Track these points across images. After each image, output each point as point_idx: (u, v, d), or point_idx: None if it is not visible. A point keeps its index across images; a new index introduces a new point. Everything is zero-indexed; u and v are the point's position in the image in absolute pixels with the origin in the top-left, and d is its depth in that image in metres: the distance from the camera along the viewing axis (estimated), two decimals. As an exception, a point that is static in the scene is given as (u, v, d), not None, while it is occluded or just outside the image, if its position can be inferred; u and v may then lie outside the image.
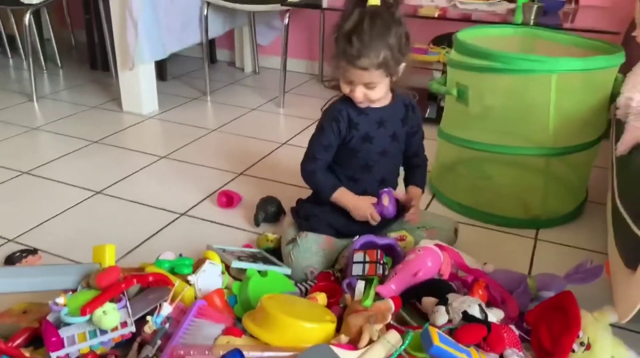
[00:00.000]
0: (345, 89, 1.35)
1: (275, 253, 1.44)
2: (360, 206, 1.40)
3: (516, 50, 1.88)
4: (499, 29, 1.94)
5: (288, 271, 1.34)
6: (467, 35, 1.76)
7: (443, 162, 1.89)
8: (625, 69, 1.60)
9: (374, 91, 1.32)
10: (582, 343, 1.04)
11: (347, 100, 1.38)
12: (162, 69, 3.00)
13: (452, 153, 1.87)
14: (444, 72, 2.53)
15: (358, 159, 1.42)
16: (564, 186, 1.77)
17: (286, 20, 2.56)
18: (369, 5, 1.25)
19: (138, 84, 2.46)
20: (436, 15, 2.39)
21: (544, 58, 1.47)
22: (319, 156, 1.42)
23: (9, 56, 3.40)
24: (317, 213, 1.43)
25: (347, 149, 1.41)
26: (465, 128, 1.72)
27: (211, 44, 3.33)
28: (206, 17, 2.68)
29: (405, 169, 1.57)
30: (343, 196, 1.41)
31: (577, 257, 1.45)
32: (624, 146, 1.12)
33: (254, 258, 1.35)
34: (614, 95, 1.54)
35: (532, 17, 2.17)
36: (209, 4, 2.66)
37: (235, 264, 1.26)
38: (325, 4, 2.62)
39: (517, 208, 1.69)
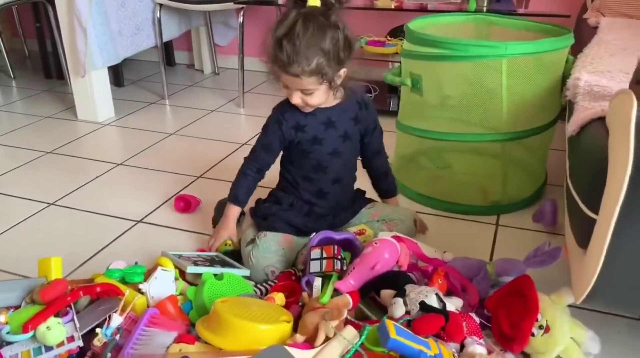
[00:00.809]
0: (284, 92, 1.31)
1: (234, 256, 1.41)
2: (223, 228, 1.44)
3: (471, 37, 1.88)
4: (451, 17, 1.93)
5: (247, 272, 1.31)
6: (419, 24, 1.75)
7: (403, 154, 1.88)
8: (577, 51, 1.60)
9: (311, 97, 1.28)
10: (541, 327, 1.04)
11: (290, 105, 1.35)
12: (118, 74, 2.93)
13: (412, 144, 1.86)
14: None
15: (310, 159, 1.40)
16: (523, 171, 1.78)
17: (241, 19, 2.52)
18: (308, 5, 1.21)
19: (92, 91, 2.39)
20: (392, 7, 2.38)
21: (493, 43, 1.47)
22: (258, 156, 1.43)
23: (-42, 68, 3.30)
24: (275, 211, 1.41)
25: (297, 150, 1.40)
26: (422, 118, 1.71)
27: (168, 46, 3.27)
28: (159, 19, 2.62)
29: (373, 175, 1.55)
30: (231, 211, 1.45)
31: (539, 241, 1.44)
32: (572, 126, 1.12)
33: (210, 262, 1.32)
34: (566, 77, 1.54)
35: (485, 5, 2.17)
36: (161, 5, 2.61)
37: (191, 269, 1.23)
38: (280, 0, 2.59)
39: (477, 195, 1.69)
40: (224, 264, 1.33)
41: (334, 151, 1.39)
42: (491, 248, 1.48)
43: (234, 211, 1.45)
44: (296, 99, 1.29)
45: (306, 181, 1.41)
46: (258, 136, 1.43)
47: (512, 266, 1.25)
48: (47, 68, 3.10)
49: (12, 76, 3.14)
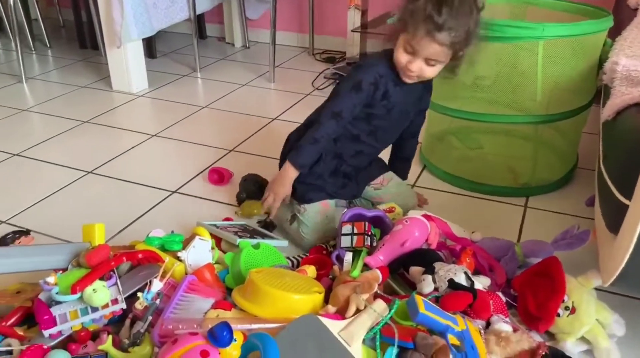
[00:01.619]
0: (401, 58, 1.25)
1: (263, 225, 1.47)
2: (281, 185, 1.36)
3: (507, 17, 1.86)
4: (488, -3, 1.91)
5: (285, 243, 1.37)
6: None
7: (433, 133, 1.89)
8: (615, 34, 1.58)
9: (432, 68, 1.26)
10: (567, 308, 1.06)
11: (390, 66, 1.30)
12: (151, 46, 2.97)
13: (442, 123, 1.87)
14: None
15: (370, 125, 1.37)
16: (554, 153, 1.77)
17: (274, -7, 2.52)
18: None
19: (127, 63, 2.44)
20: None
21: (530, 24, 1.45)
22: (345, 115, 1.32)
23: (-3, 36, 3.37)
24: (302, 180, 1.39)
25: (365, 113, 1.35)
26: (455, 98, 1.71)
27: (200, 19, 3.29)
28: (193, -8, 2.64)
29: (397, 155, 1.58)
30: (290, 173, 1.35)
31: (567, 224, 1.45)
32: (608, 111, 1.11)
33: (250, 233, 1.37)
34: (603, 60, 1.53)
35: (522, -17, 2.14)
36: (195, -22, 2.62)
37: (240, 241, 1.27)
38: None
39: (507, 176, 1.70)
40: (259, 234, 1.38)
41: (393, 123, 1.40)
42: (519, 230, 1.50)
43: (294, 174, 1.36)
44: (417, 65, 1.24)
45: (352, 141, 1.40)
46: (341, 92, 1.33)
47: (540, 247, 1.27)
48: (82, 38, 3.16)
49: (48, 45, 3.21)
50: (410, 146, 1.58)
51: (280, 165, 1.43)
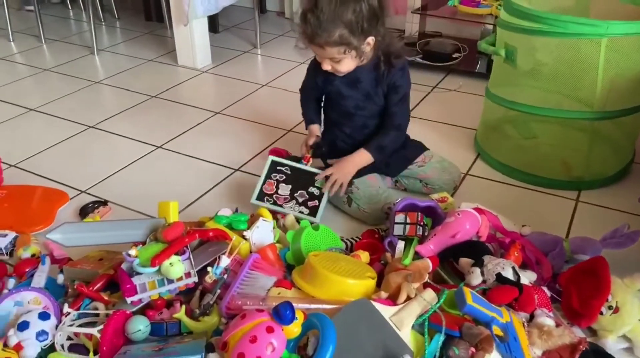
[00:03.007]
0: (317, 58, 1.45)
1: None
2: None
3: (571, 7, 1.85)
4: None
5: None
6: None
7: (488, 121, 1.91)
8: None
9: (340, 64, 1.40)
10: (610, 307, 1.10)
11: None
12: (214, 21, 3.06)
13: (498, 112, 1.89)
14: (495, 25, 2.50)
15: (339, 106, 1.56)
16: (610, 147, 1.77)
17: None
18: None
19: (192, 39, 2.54)
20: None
21: (594, 22, 1.45)
22: (307, 89, 1.64)
23: (69, 7, 3.53)
24: None
25: (327, 99, 1.59)
26: (513, 89, 1.73)
27: (261, -6, 3.35)
28: (257, -31, 2.70)
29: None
30: (313, 129, 1.64)
31: (618, 220, 1.48)
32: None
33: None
34: (668, 57, 1.51)
35: (590, -30, 2.09)
36: (259, -44, 2.67)
37: (302, 221, 1.38)
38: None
39: (560, 168, 1.72)
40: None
41: (357, 106, 1.53)
42: (569, 224, 1.52)
43: (315, 126, 1.65)
44: (326, 66, 1.41)
45: (337, 125, 1.59)
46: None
47: (588, 245, 1.30)
48: (148, 11, 3.28)
49: (116, 17, 3.35)
50: (387, 122, 1.56)
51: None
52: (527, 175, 1.71)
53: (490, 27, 2.53)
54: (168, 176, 1.77)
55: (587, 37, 1.47)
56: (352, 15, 1.31)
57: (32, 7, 3.05)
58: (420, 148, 1.65)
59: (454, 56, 2.54)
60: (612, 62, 1.49)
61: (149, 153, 1.89)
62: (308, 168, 1.56)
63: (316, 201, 1.49)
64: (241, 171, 1.78)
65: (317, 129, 1.64)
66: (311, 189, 1.51)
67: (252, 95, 2.35)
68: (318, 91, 1.60)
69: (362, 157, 1.52)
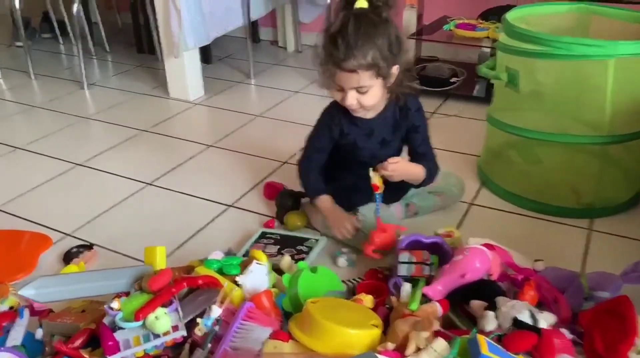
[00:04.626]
0: (337, 97, 1.34)
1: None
2: (336, 218, 1.45)
3: (570, 27, 1.79)
4: (552, 7, 1.83)
5: (324, 240, 1.46)
6: (517, 15, 1.68)
7: (491, 146, 1.84)
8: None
9: (366, 95, 1.31)
10: (639, 352, 1.01)
11: (341, 106, 1.38)
12: (206, 52, 3.00)
13: (501, 136, 1.81)
14: (493, 49, 2.44)
15: (353, 156, 1.47)
16: (621, 172, 1.69)
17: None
18: (355, 7, 1.25)
19: (184, 71, 2.48)
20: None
21: (600, 42, 1.39)
22: (312, 157, 1.50)
23: (60, 41, 3.49)
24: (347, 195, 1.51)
25: (340, 149, 1.48)
26: (516, 114, 1.65)
27: (254, 23, 3.31)
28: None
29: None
30: (323, 203, 1.48)
31: (635, 249, 1.40)
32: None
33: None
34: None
35: (589, -10, 2.04)
36: (250, -15, 2.63)
37: (299, 263, 1.29)
38: None
39: (569, 195, 1.63)
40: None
41: (373, 155, 1.44)
42: (583, 255, 1.43)
43: (328, 201, 1.48)
44: (351, 99, 1.30)
45: (349, 173, 1.50)
46: (309, 137, 1.52)
47: (607, 280, 1.21)
48: (140, 43, 3.23)
49: (107, 50, 3.30)
50: (423, 161, 1.48)
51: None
52: (536, 203, 1.63)
53: (488, 50, 2.48)
54: (158, 214, 1.68)
55: (593, 59, 1.40)
56: (383, 39, 1.25)
57: (21, 43, 3.00)
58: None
59: (451, 80, 2.48)
60: (621, 83, 1.42)
61: (138, 190, 1.81)
62: (300, 234, 1.51)
63: (304, 255, 1.40)
64: (234, 206, 1.70)
65: (330, 201, 1.48)
66: (300, 247, 1.44)
67: (245, 126, 2.28)
68: (328, 150, 1.48)
69: (417, 167, 1.43)
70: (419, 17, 2.63)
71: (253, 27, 3.30)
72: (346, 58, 1.23)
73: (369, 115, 1.40)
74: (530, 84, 1.56)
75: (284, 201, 1.61)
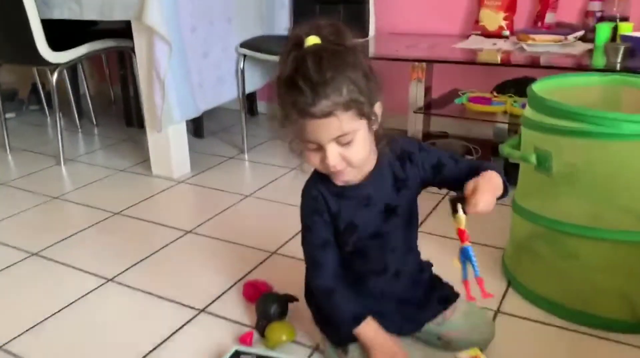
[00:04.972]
0: (314, 160, 1.00)
1: None
2: (387, 350, 1.09)
3: (600, 100, 1.55)
4: (583, 78, 1.60)
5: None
6: (542, 87, 1.44)
7: (518, 238, 1.55)
8: None
9: (353, 147, 0.97)
10: None
11: (321, 179, 1.08)
12: (198, 125, 2.80)
13: (527, 225, 1.53)
14: (512, 124, 2.21)
15: (348, 243, 1.12)
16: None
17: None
18: (307, 46, 0.94)
19: (168, 146, 2.25)
20: (498, 60, 2.09)
21: (656, 119, 1.13)
22: (323, 261, 1.12)
23: (47, 113, 3.31)
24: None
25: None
26: (548, 201, 1.38)
27: (251, 95, 3.13)
28: (242, 70, 2.47)
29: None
30: (367, 332, 1.10)
31: None
32: None
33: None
34: None
35: (619, 60, 1.83)
36: (245, 57, 2.45)
37: None
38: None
39: (620, 304, 1.32)
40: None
41: (375, 234, 1.11)
42: (647, 388, 1.11)
43: (370, 329, 1.11)
44: (333, 157, 0.96)
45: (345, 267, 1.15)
46: (303, 241, 1.15)
47: None
48: (129, 116, 3.04)
49: (94, 123, 3.11)
50: (465, 169, 1.12)
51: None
52: (576, 313, 1.32)
53: (505, 126, 2.25)
54: (114, 320, 1.38)
55: (646, 139, 1.14)
56: (353, 69, 0.94)
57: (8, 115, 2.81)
58: (443, 299, 1.23)
59: (465, 158, 2.23)
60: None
61: (97, 288, 1.52)
62: (279, 355, 1.20)
63: None
64: (206, 312, 1.40)
65: (374, 326, 1.11)
66: None
67: (232, 208, 2.01)
68: (333, 240, 1.13)
69: (493, 178, 1.02)
70: (427, 90, 2.41)
71: (249, 100, 3.12)
72: (316, 100, 0.91)
73: (358, 177, 1.07)
74: (565, 167, 1.30)
75: (266, 307, 1.30)
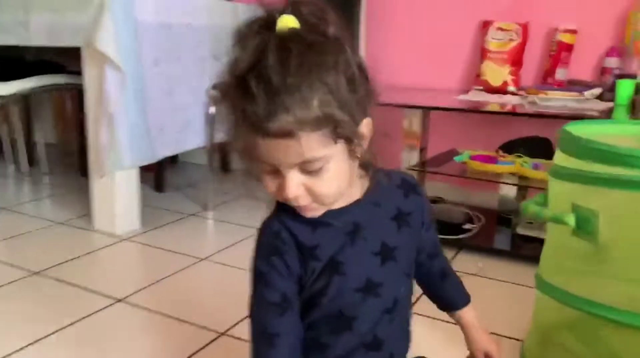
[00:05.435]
0: (271, 187, 0.71)
1: None
2: None
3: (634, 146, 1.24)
4: (616, 126, 1.29)
5: None
6: (576, 131, 1.13)
7: (543, 326, 1.19)
8: None
9: (321, 178, 0.68)
10: None
11: (285, 209, 0.75)
12: (160, 177, 2.46)
13: (557, 309, 1.17)
14: (520, 187, 1.90)
15: (322, 306, 0.76)
16: None
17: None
18: (278, 29, 0.64)
19: (113, 196, 1.89)
20: (508, 110, 1.81)
21: None
22: (278, 331, 0.75)
23: (-5, 160, 2.96)
24: None
25: (312, 287, 0.76)
26: (588, 278, 1.03)
27: (224, 149, 2.80)
28: (213, 116, 2.16)
29: (427, 283, 0.94)
30: None
31: None
32: None
33: None
34: None
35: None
36: (217, 100, 2.15)
37: None
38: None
39: None
40: None
41: (368, 284, 0.76)
42: None
43: None
44: (293, 189, 0.67)
45: (332, 332, 0.77)
46: (251, 298, 0.78)
47: None
48: (84, 165, 2.68)
49: (47, 171, 2.75)
50: (437, 264, 0.92)
51: None
52: None
53: (511, 192, 1.93)
54: None
55: None
56: (333, 72, 0.64)
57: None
58: None
59: (465, 226, 1.90)
60: None
61: (-25, 372, 1.12)
62: None
63: None
64: (115, 418, 1.00)
65: None
66: None
67: (181, 274, 1.63)
68: (295, 299, 0.77)
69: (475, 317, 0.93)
70: (422, 151, 2.11)
71: (221, 154, 2.79)
72: (272, 113, 0.62)
73: (337, 204, 0.75)
74: (618, 230, 0.96)
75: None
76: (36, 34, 1.88)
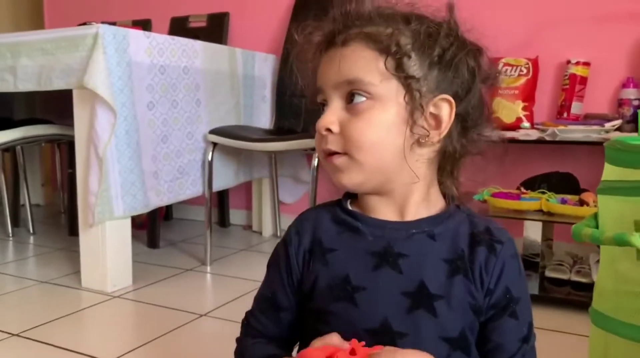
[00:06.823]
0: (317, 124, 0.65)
1: None
2: None
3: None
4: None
5: None
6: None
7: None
8: None
9: (358, 117, 0.62)
10: None
11: (330, 204, 0.73)
12: (154, 232, 2.30)
13: (618, 348, 1.00)
14: (545, 228, 1.76)
15: (340, 323, 0.63)
16: None
17: (313, 171, 1.86)
18: None
19: (104, 250, 1.72)
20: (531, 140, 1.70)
21: None
22: (253, 317, 0.77)
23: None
24: None
25: (304, 314, 0.69)
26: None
27: (223, 204, 2.67)
28: (210, 162, 2.03)
29: None
30: None
31: None
32: None
33: None
34: None
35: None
36: (215, 146, 2.03)
37: None
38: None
39: None
40: None
41: (384, 330, 0.61)
42: None
43: None
44: (330, 113, 0.63)
45: None
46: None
47: None
48: (73, 224, 2.52)
49: (31, 231, 2.58)
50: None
51: None
52: None
53: (536, 234, 1.79)
54: None
55: None
56: (429, 30, 0.62)
57: None
58: None
59: (488, 270, 1.74)
60: None
61: None
62: None
63: None
64: None
65: None
66: None
67: (179, 330, 1.45)
68: (284, 301, 0.72)
69: None
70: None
71: (220, 207, 2.66)
72: (346, 24, 0.63)
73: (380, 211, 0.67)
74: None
75: None
76: (23, 80, 1.78)
